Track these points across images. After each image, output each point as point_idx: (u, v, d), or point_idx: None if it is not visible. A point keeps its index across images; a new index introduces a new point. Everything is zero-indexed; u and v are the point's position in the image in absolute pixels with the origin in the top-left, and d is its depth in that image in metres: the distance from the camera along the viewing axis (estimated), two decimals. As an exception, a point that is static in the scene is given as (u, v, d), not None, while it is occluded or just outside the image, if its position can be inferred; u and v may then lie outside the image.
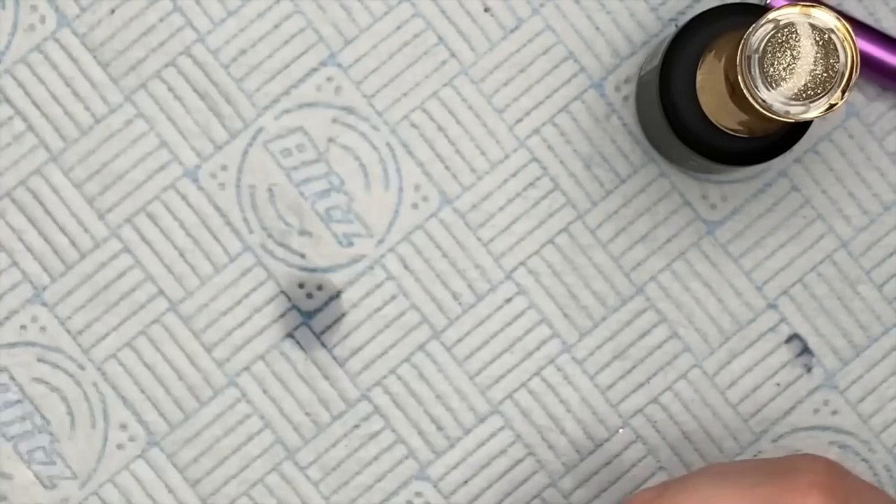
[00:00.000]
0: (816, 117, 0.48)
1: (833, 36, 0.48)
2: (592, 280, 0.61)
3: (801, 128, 0.55)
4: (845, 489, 0.50)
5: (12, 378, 0.60)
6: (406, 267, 0.61)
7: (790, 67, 0.48)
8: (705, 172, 0.58)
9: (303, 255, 0.61)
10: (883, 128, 0.61)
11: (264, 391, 0.61)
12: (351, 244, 0.61)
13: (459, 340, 0.61)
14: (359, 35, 0.61)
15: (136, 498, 0.61)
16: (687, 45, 0.54)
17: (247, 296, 0.61)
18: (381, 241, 0.61)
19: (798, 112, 0.48)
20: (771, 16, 0.48)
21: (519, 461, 0.61)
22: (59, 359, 0.61)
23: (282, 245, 0.61)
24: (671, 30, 0.61)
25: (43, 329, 0.61)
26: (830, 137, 0.61)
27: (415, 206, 0.61)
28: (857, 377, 0.61)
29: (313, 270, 0.61)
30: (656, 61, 0.55)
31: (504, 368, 0.61)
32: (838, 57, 0.48)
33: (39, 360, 0.60)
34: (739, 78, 0.48)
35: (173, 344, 0.61)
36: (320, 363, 0.61)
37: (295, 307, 0.61)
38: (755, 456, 0.61)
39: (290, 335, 0.61)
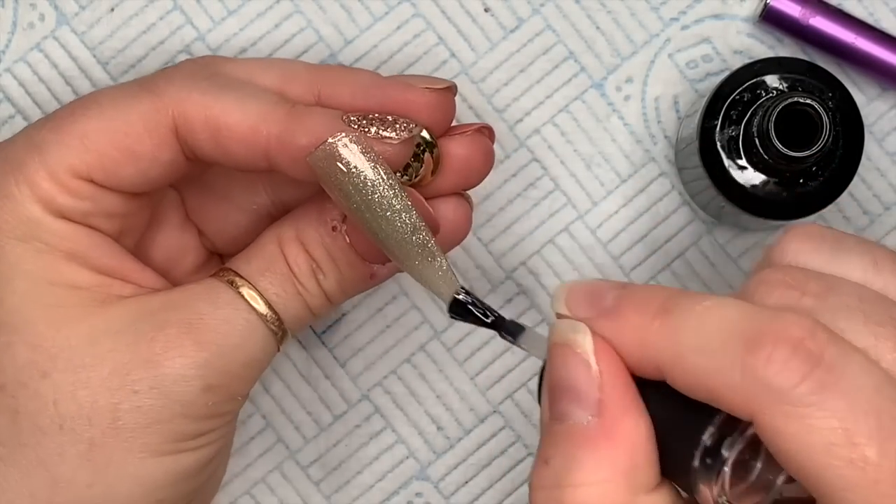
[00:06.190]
0: None
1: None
2: (592, 280, 0.61)
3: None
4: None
5: None
6: (406, 266, 0.61)
7: None
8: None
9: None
10: (883, 128, 0.61)
11: (266, 390, 0.61)
12: (351, 244, 0.61)
13: (460, 341, 0.61)
14: (359, 35, 0.60)
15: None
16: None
17: (248, 295, 0.61)
18: (381, 241, 0.61)
19: None
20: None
21: (519, 461, 0.61)
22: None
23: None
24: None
25: None
26: (830, 136, 0.61)
27: (415, 205, 0.61)
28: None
29: (314, 270, 0.61)
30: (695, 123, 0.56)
31: (504, 368, 0.61)
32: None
33: None
34: None
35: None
36: (321, 363, 0.61)
37: (296, 307, 0.61)
38: None
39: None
